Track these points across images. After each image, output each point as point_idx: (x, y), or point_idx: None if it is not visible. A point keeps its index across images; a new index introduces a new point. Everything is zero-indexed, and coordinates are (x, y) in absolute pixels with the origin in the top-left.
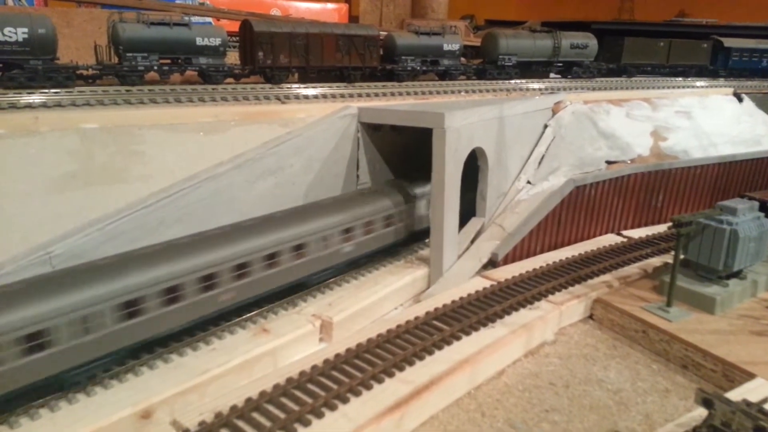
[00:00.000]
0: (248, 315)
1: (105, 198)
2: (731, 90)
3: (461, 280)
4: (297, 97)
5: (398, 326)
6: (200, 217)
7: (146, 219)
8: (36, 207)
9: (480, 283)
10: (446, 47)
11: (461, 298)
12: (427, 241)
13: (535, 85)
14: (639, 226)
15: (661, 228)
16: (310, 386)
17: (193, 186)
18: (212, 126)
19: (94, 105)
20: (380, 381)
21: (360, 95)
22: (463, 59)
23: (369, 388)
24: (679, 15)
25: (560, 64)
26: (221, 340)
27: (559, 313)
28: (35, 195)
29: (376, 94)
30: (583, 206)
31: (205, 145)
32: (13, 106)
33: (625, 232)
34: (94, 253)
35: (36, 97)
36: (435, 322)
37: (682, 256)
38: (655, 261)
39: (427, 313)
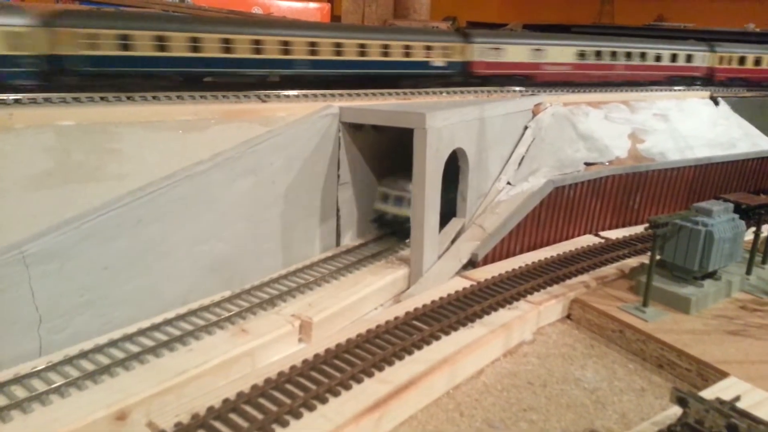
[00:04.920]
0: (227, 315)
1: (82, 196)
2: (708, 93)
3: (441, 281)
4: (278, 96)
5: (378, 326)
6: (178, 216)
7: (123, 217)
8: (11, 205)
9: (460, 284)
10: None
11: (441, 299)
12: (407, 241)
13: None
14: (616, 227)
15: (638, 229)
16: (289, 387)
17: (171, 184)
18: (191, 124)
19: (70, 102)
20: (359, 381)
21: (341, 95)
22: None
23: (348, 388)
24: (658, 19)
25: None
26: (199, 340)
27: (538, 313)
28: (10, 193)
29: (358, 94)
30: (562, 207)
31: (183, 144)
32: None
33: (602, 233)
34: (70, 251)
35: (10, 94)
36: (415, 322)
37: (658, 257)
38: (632, 261)
39: (407, 313)
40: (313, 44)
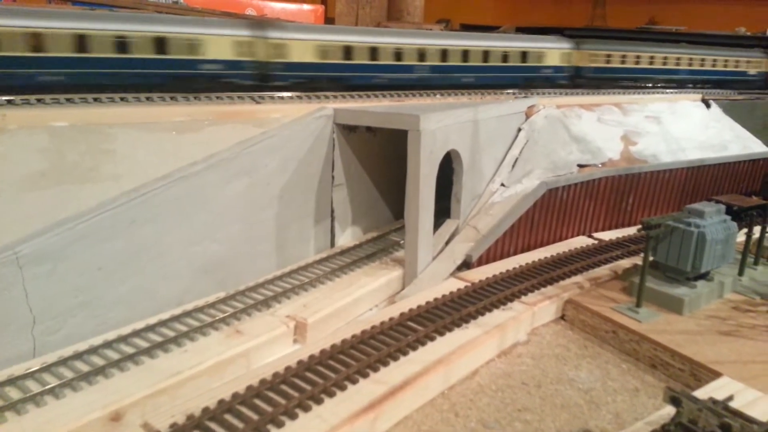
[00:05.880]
0: (221, 316)
1: (76, 197)
2: (699, 96)
3: (436, 282)
4: (272, 97)
5: (373, 327)
6: (173, 217)
7: (118, 218)
8: (5, 205)
9: (454, 285)
10: None
11: (435, 299)
12: (402, 242)
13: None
14: (609, 228)
15: (631, 230)
16: (284, 387)
17: (165, 185)
18: (186, 125)
19: (63, 103)
20: (354, 382)
21: (335, 96)
22: None
23: (343, 389)
24: (650, 22)
25: None
26: (193, 341)
27: (532, 314)
28: (4, 193)
29: (351, 96)
30: (556, 209)
31: (178, 144)
32: None
33: (596, 234)
34: (64, 252)
35: (2, 95)
36: (409, 323)
37: (651, 258)
38: (625, 263)
39: (402, 314)
40: (652, 57)
